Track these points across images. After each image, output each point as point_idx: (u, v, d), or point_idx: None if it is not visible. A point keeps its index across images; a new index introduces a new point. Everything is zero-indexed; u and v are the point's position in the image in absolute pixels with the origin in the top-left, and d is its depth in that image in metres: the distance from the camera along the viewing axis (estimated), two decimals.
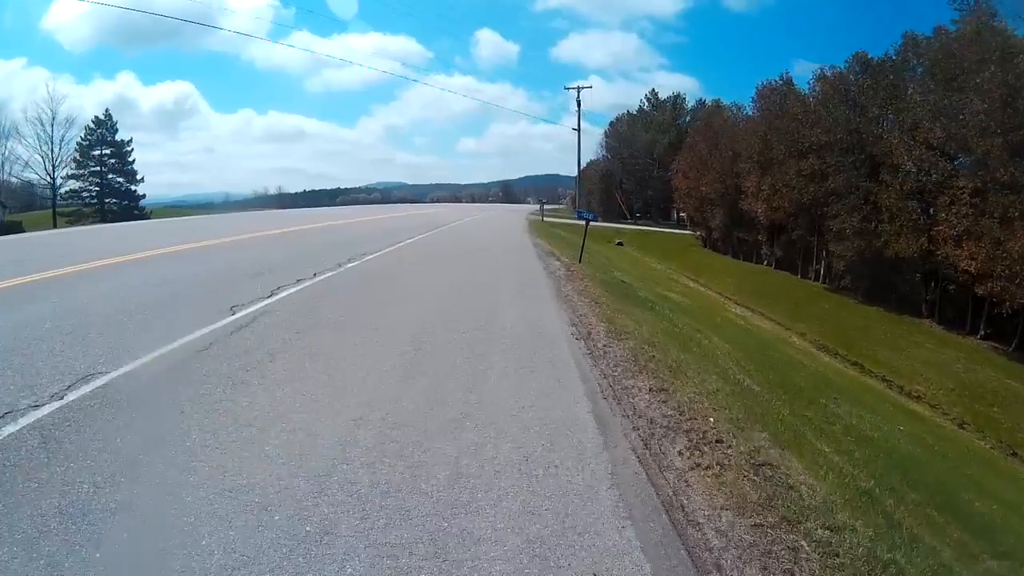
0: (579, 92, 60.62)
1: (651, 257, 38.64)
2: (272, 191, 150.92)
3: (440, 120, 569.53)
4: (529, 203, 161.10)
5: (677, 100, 77.39)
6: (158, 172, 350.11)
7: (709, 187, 45.52)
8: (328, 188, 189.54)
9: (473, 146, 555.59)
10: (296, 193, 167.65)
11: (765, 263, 42.79)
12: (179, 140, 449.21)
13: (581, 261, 16.91)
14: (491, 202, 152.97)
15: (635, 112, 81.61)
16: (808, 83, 38.87)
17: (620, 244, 40.58)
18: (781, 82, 40.99)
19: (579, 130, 60.80)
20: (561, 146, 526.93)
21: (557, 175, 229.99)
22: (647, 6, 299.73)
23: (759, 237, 42.87)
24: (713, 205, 46.19)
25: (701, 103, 77.05)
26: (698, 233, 52.26)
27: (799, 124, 34.89)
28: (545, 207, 76.84)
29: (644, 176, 75.67)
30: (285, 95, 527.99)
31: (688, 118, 76.50)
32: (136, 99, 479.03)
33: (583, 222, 19.82)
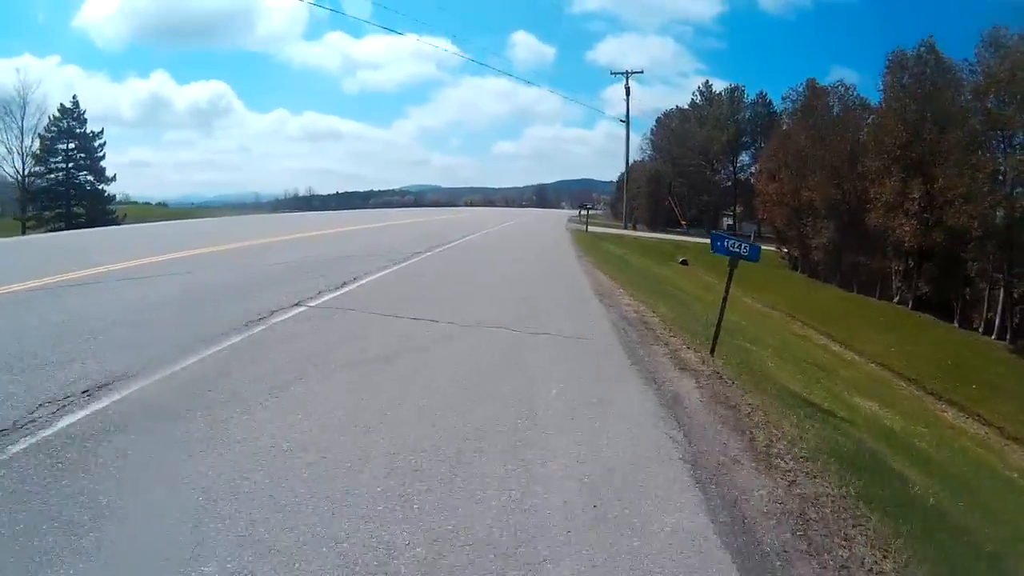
0: (628, 78, 49.16)
1: (735, 286, 26.97)
2: (302, 192, 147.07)
3: (475, 122, 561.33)
4: (563, 208, 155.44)
5: (735, 93, 65.20)
6: (191, 171, 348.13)
7: (816, 193, 33.32)
8: (360, 190, 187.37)
9: (508, 148, 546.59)
10: (327, 195, 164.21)
11: (897, 299, 30.32)
12: (214, 139, 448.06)
13: (714, 353, 7.22)
14: (524, 206, 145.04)
15: (686, 107, 68.73)
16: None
17: (684, 263, 31.87)
18: (924, 49, 28.62)
19: (628, 121, 49.55)
20: (596, 150, 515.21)
21: (591, 179, 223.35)
22: (685, 10, 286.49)
23: (891, 265, 30.47)
24: (817, 217, 34.11)
25: (763, 96, 64.53)
26: (784, 251, 41.08)
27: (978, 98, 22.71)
28: (585, 213, 67.87)
29: (698, 179, 63.48)
30: (320, 95, 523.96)
31: (748, 113, 64.00)
32: (170, 98, 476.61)
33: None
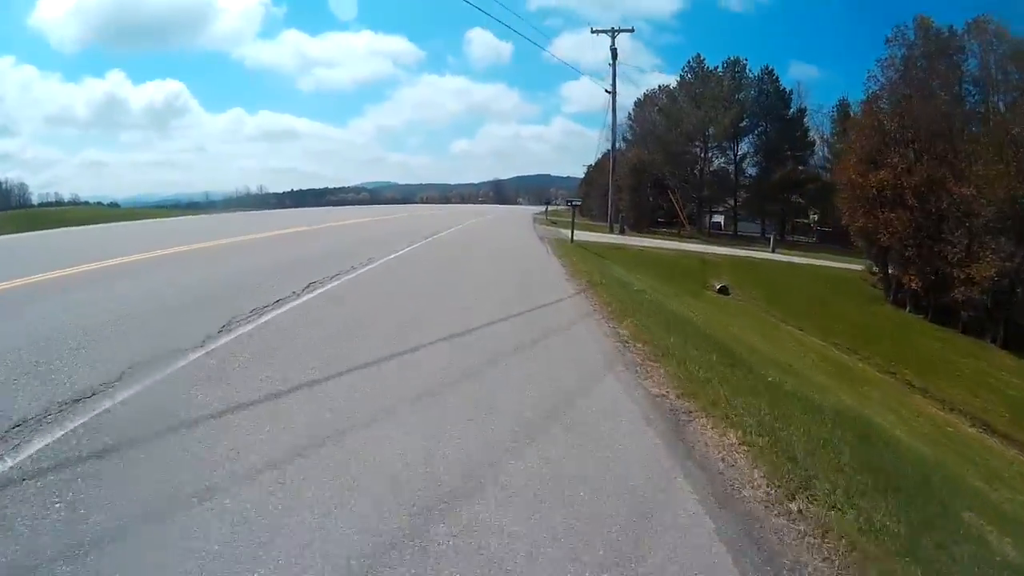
0: (613, 38, 36.33)
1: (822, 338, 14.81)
2: (254, 190, 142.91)
3: (433, 120, 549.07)
4: (520, 203, 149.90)
5: (736, 68, 52.29)
6: (148, 171, 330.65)
7: (986, 188, 20.61)
8: (316, 188, 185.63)
9: (466, 147, 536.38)
10: (283, 193, 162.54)
11: None
12: (171, 139, 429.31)
13: None
14: (481, 202, 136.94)
15: (673, 87, 55.97)
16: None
17: (723, 291, 20.59)
18: None
19: (614, 91, 37.83)
20: (553, 147, 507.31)
21: (549, 175, 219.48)
22: (644, 6, 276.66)
23: None
24: (975, 229, 20.66)
25: (768, 72, 52.41)
26: (878, 273, 25.44)
27: None
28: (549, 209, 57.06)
29: (690, 170, 50.61)
30: (276, 94, 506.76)
31: (754, 91, 51.31)
32: (126, 98, 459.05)
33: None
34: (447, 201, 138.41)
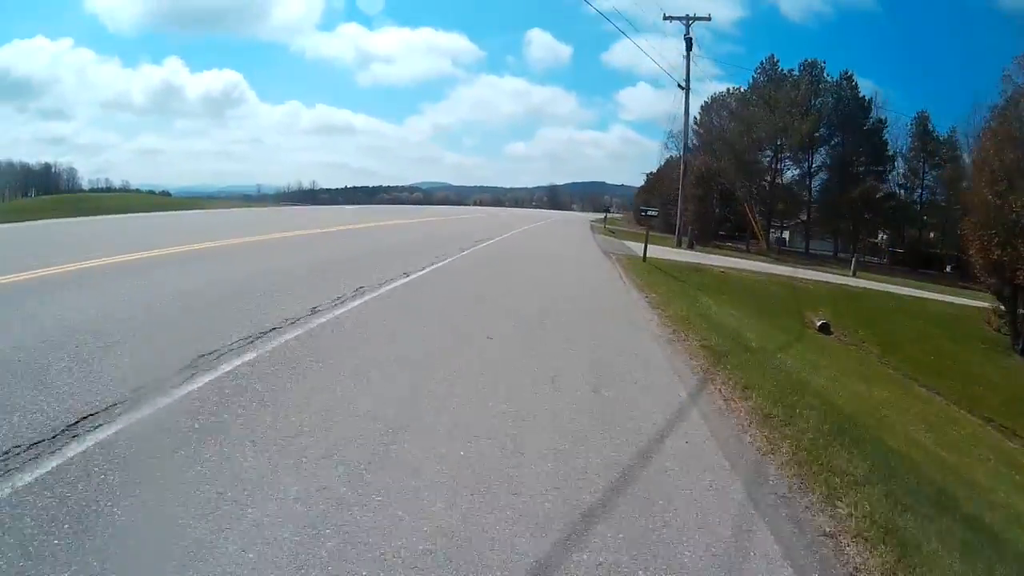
0: (689, 25, 32.92)
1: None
2: (306, 185, 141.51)
3: (489, 121, 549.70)
4: (574, 209, 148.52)
5: (814, 70, 48.07)
6: (203, 161, 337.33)
7: None
8: (370, 185, 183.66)
9: (521, 149, 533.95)
10: (335, 189, 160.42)
11: None
12: (226, 128, 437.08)
13: None
14: (535, 207, 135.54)
15: (745, 89, 52.01)
16: None
17: (824, 328, 17.09)
18: None
19: (687, 85, 33.81)
20: (609, 154, 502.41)
21: (604, 183, 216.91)
22: (703, 13, 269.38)
23: None
24: None
25: (847, 77, 48.39)
26: (1004, 316, 19.61)
27: None
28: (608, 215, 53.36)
29: (762, 180, 46.93)
30: (334, 88, 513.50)
31: (832, 98, 47.37)
32: (183, 86, 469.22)
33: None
34: (500, 204, 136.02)
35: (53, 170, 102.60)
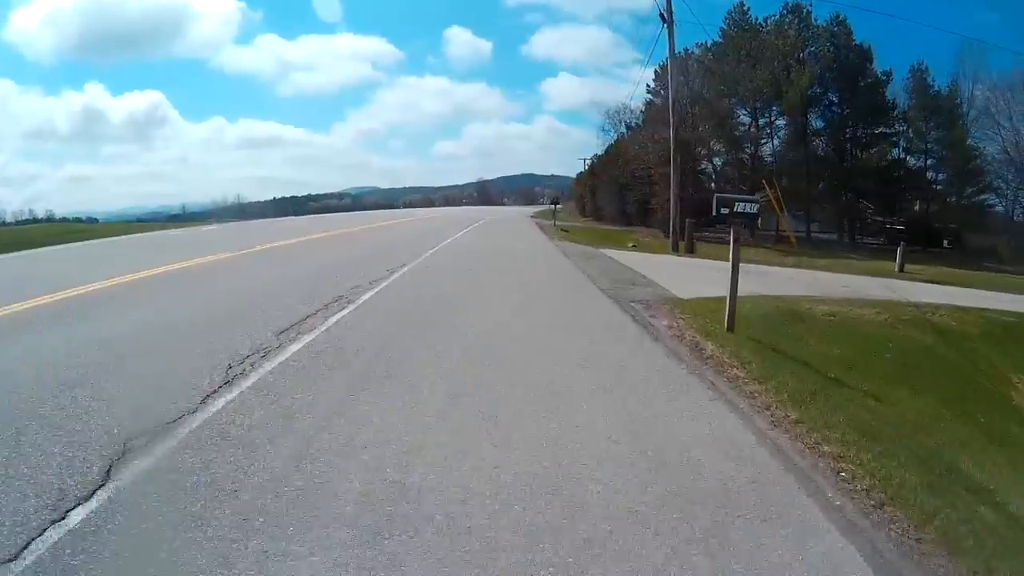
0: None
1: None
2: (231, 200, 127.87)
3: (415, 122, 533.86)
4: (506, 203, 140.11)
5: (800, 14, 37.03)
6: (133, 184, 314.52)
7: None
8: (299, 195, 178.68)
9: (450, 148, 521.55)
10: (265, 201, 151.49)
11: None
12: (153, 150, 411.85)
13: None
14: (466, 204, 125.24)
15: (716, 42, 40.60)
16: None
17: None
18: None
19: (670, 18, 19.41)
20: (538, 146, 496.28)
21: (533, 174, 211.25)
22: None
23: None
24: None
25: (839, 20, 38.05)
26: None
27: None
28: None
29: (746, 149, 35.93)
30: (256, 101, 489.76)
31: (829, 46, 36.58)
32: (106, 109, 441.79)
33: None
34: (431, 204, 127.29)
35: None
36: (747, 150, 39.18)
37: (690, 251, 20.69)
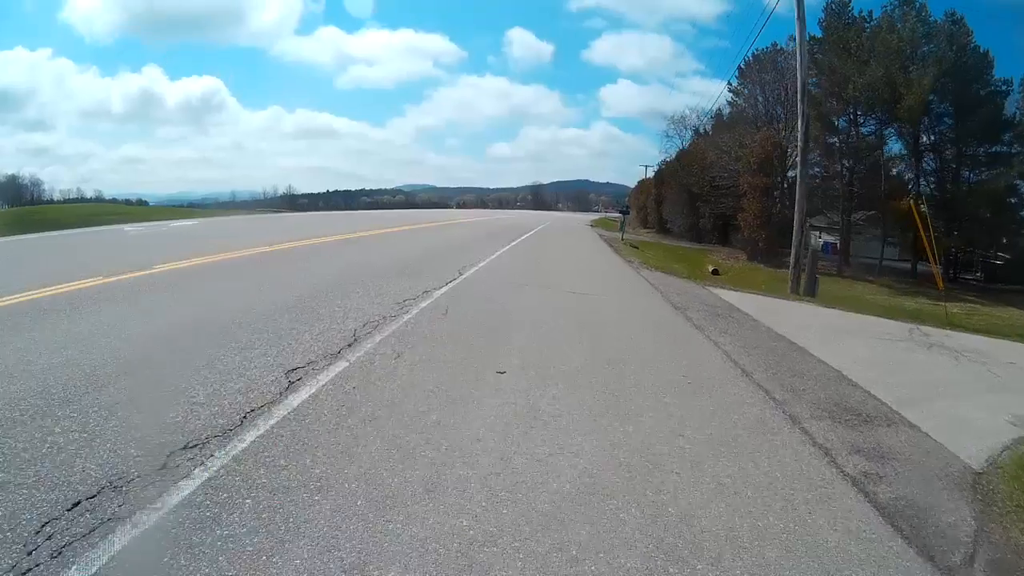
0: None
1: None
2: (282, 191, 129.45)
3: (472, 122, 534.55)
4: (560, 209, 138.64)
5: (913, 6, 31.56)
6: (186, 168, 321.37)
7: None
8: (353, 188, 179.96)
9: (505, 150, 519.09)
10: (317, 193, 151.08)
11: None
12: (208, 135, 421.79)
13: None
14: (520, 207, 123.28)
15: (817, 37, 35.64)
16: None
17: None
18: None
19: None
20: (591, 152, 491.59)
21: (587, 180, 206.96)
22: (687, 8, 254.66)
23: None
24: None
25: (954, 16, 32.52)
26: None
27: None
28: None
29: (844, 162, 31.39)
30: (314, 92, 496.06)
31: (949, 47, 31.04)
32: (162, 94, 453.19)
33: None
34: (484, 205, 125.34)
35: (17, 180, 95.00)
36: (845, 163, 33.84)
37: (811, 292, 15.80)
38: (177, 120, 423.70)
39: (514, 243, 19.51)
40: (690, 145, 45.21)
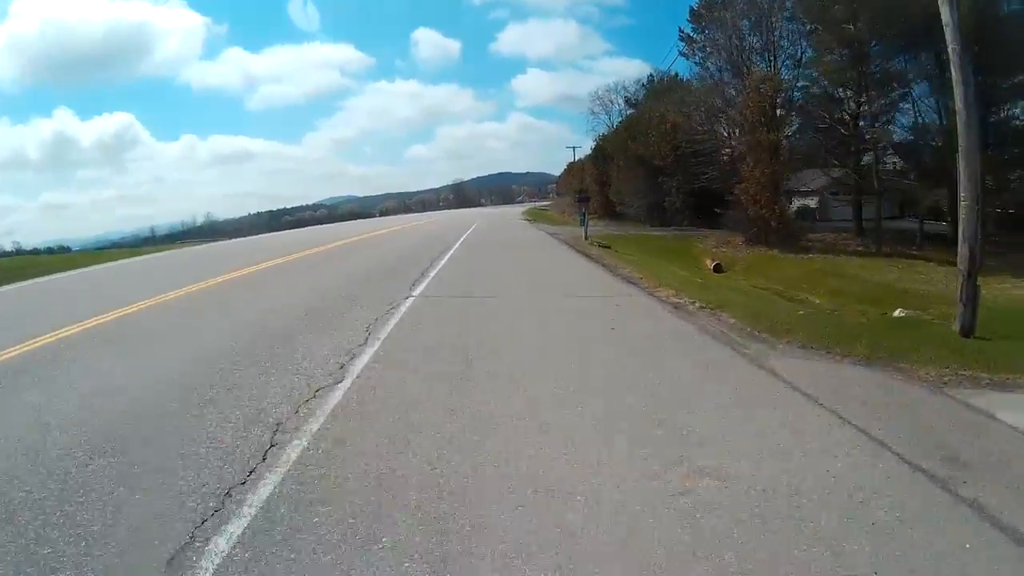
0: None
1: None
2: (200, 220, 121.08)
3: (387, 128, 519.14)
4: (484, 204, 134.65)
5: None
6: (110, 208, 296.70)
7: None
8: (274, 209, 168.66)
9: (423, 152, 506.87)
10: (239, 218, 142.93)
11: None
12: (127, 173, 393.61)
13: None
14: (443, 207, 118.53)
15: None
16: None
17: None
18: None
19: None
20: (511, 144, 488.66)
21: (508, 172, 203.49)
22: None
23: None
24: None
25: None
26: None
27: None
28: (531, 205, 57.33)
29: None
30: (225, 116, 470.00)
31: None
32: (76, 135, 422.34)
33: None
34: (407, 210, 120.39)
35: None
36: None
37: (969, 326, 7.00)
38: (95, 161, 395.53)
39: (438, 267, 10.62)
40: (641, 109, 36.70)
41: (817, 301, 15.27)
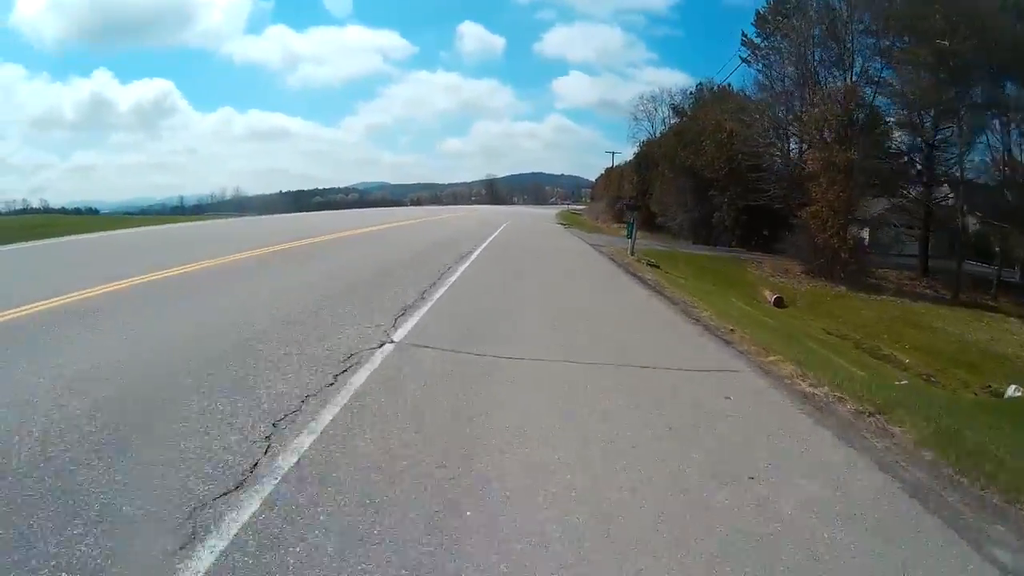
0: None
1: None
2: (230, 194, 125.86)
3: (424, 118, 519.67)
4: (515, 203, 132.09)
5: None
6: (139, 174, 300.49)
7: None
8: (305, 189, 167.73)
9: (457, 145, 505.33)
10: (269, 195, 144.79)
11: None
12: (161, 140, 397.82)
13: None
14: (474, 202, 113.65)
15: None
16: None
17: None
18: None
19: None
20: (545, 144, 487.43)
21: (541, 173, 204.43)
22: None
23: None
24: None
25: None
26: None
27: None
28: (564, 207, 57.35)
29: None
30: (265, 92, 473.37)
31: None
32: (114, 98, 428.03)
33: None
34: (438, 201, 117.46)
35: None
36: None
37: None
38: (130, 125, 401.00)
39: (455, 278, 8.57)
40: (694, 113, 34.44)
41: (906, 361, 13.19)
